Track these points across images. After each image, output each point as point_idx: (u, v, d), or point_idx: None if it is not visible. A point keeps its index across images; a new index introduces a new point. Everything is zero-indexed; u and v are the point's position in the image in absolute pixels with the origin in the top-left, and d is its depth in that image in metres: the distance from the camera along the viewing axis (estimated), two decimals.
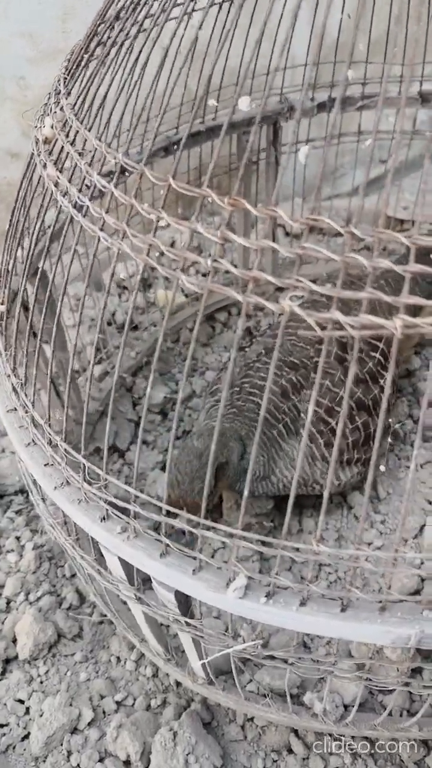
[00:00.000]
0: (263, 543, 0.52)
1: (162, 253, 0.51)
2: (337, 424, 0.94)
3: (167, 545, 0.58)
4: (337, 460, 0.95)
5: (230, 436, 0.89)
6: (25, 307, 0.81)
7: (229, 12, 0.96)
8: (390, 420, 1.00)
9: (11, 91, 1.36)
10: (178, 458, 0.85)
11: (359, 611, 0.52)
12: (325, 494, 0.49)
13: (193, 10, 0.86)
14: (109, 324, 1.35)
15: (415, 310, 0.50)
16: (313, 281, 0.43)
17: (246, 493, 0.51)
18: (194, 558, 0.57)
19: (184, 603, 0.63)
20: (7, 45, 1.31)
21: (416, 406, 1.18)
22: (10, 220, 0.77)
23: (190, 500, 0.83)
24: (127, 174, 0.56)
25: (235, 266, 0.46)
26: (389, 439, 1.02)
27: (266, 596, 0.54)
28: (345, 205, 1.53)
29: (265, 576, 0.54)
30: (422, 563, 0.87)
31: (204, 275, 1.43)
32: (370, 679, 0.60)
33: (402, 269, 0.42)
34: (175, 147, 1.02)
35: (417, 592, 0.88)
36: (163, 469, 1.14)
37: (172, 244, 1.50)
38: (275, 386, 0.96)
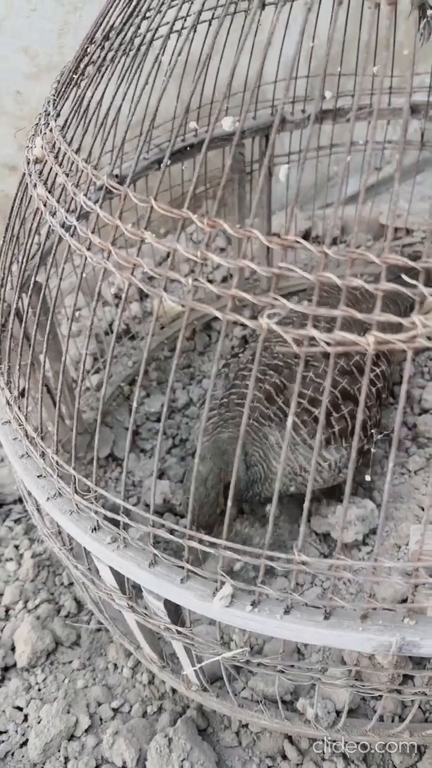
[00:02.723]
0: (248, 553, 0.54)
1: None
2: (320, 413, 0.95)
3: (155, 555, 0.59)
4: (320, 446, 0.95)
5: (232, 452, 0.91)
6: (20, 320, 0.82)
7: (219, 28, 0.98)
8: (372, 431, 1.01)
9: (8, 105, 1.38)
10: (186, 485, 0.90)
11: (342, 619, 0.54)
12: (306, 502, 0.50)
13: (183, 27, 0.88)
14: (107, 333, 1.36)
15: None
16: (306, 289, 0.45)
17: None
18: (182, 567, 0.58)
19: (174, 611, 0.64)
20: (3, 60, 1.33)
21: (410, 412, 1.19)
22: (5, 236, 0.79)
23: (205, 522, 0.89)
24: (113, 193, 0.57)
25: (232, 276, 0.48)
26: (371, 448, 1.03)
27: (252, 605, 0.55)
28: (338, 214, 1.54)
29: (251, 585, 0.56)
30: (416, 570, 0.87)
31: (209, 282, 1.44)
32: (357, 686, 0.61)
33: (374, 287, 0.43)
34: (162, 165, 1.03)
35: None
36: (159, 477, 1.15)
37: (168, 255, 1.51)
38: (259, 393, 0.98)
